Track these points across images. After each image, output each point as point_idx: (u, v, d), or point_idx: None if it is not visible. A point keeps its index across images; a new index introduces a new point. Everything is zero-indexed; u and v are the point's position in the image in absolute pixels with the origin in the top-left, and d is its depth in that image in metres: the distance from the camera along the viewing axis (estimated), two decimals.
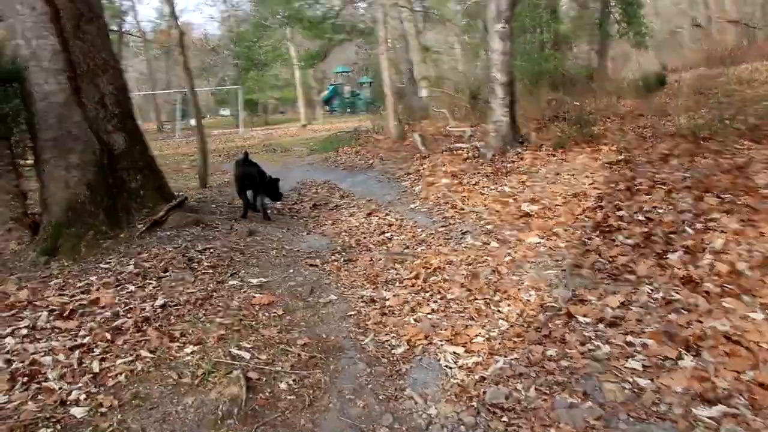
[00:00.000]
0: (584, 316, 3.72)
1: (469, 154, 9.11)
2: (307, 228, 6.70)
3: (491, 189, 7.04)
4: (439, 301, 4.28)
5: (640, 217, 4.98)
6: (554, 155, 8.21)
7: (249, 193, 7.08)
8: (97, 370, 3.16)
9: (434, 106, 17.20)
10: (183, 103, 29.04)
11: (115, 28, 32.10)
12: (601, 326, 3.57)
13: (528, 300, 4.11)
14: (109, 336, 3.53)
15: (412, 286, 4.63)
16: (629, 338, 3.36)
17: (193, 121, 32.15)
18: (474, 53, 35.16)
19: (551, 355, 3.30)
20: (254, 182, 6.91)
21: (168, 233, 5.54)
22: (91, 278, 4.54)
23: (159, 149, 18.44)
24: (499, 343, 3.53)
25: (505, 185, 7.06)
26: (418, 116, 16.47)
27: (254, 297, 4.22)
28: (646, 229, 4.74)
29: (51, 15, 5.25)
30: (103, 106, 5.66)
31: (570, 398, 2.88)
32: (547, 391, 2.96)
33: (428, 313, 4.06)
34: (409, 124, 14.96)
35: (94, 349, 3.39)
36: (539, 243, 5.14)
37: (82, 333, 3.60)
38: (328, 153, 13.46)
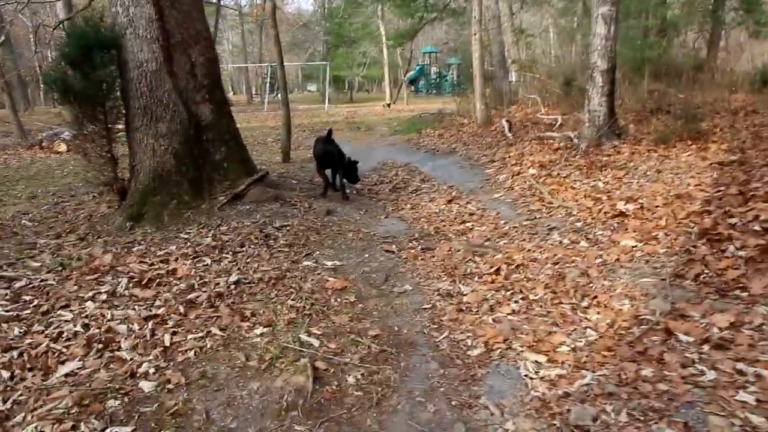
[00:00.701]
0: (686, 334, 3.33)
1: (561, 144, 8.60)
2: (386, 211, 6.53)
3: (583, 183, 6.58)
4: (520, 301, 4.00)
5: (756, 227, 4.44)
6: (655, 151, 7.59)
7: (329, 172, 6.99)
8: (168, 343, 3.14)
9: (524, 92, 16.56)
10: (272, 77, 29.61)
11: (213, 0, 33.21)
12: (705, 348, 3.18)
13: (620, 309, 3.75)
14: (182, 309, 3.52)
15: (492, 282, 4.36)
16: (740, 366, 2.96)
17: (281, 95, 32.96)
18: (569, 38, 33.72)
19: (646, 376, 2.96)
20: (334, 161, 6.81)
21: (247, 207, 5.54)
22: (171, 247, 4.59)
23: (247, 121, 18.92)
24: (587, 356, 3.22)
25: (599, 180, 6.58)
26: (505, 101, 15.93)
27: (327, 280, 4.11)
28: (762, 241, 4.21)
29: None
30: (193, 76, 5.70)
31: (668, 429, 2.55)
32: (642, 417, 2.64)
33: (508, 314, 3.79)
34: (496, 109, 14.47)
35: (168, 321, 3.39)
36: (635, 247, 4.71)
37: (157, 303, 3.62)
38: (411, 134, 13.24)
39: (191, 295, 3.74)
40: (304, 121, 18.74)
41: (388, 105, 25.85)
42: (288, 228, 5.15)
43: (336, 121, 18.36)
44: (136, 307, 3.55)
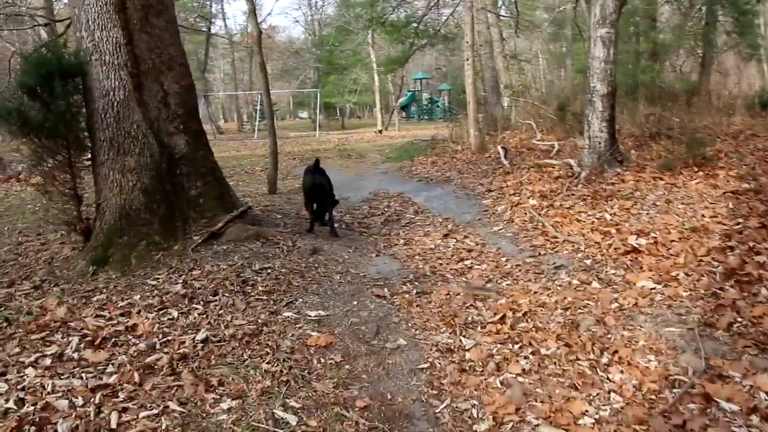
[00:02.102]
0: (728, 401, 2.84)
1: (561, 171, 8.18)
2: (377, 248, 6.04)
3: (589, 215, 6.13)
4: (530, 357, 3.50)
5: None
6: (661, 178, 7.18)
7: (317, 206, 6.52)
8: (114, 425, 2.61)
9: (518, 117, 16.25)
10: (263, 104, 29.31)
11: (204, 29, 33.13)
12: (755, 419, 2.69)
13: (647, 367, 3.26)
14: (138, 377, 3.00)
15: (497, 332, 3.86)
16: None
17: None
18: (559, 63, 33.76)
19: None
20: (324, 194, 6.32)
21: (225, 247, 5.04)
22: (135, 297, 4.08)
23: (236, 150, 18.52)
24: (615, 431, 2.72)
25: (606, 211, 6.13)
26: (499, 126, 15.59)
27: (310, 336, 3.59)
28: None
29: (117, 5, 4.88)
30: (166, 105, 5.25)
31: None
32: None
33: (518, 375, 3.29)
34: (490, 135, 14.11)
35: (119, 393, 2.86)
36: (654, 289, 4.24)
37: (110, 369, 3.10)
38: (403, 162, 12.82)
39: (151, 358, 3.21)
40: (294, 149, 18.32)
41: (380, 131, 25.55)
42: (269, 271, 4.64)
43: (327, 148, 17.96)
44: (83, 375, 3.02)
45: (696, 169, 7.45)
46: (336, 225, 6.52)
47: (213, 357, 3.26)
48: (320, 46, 35.38)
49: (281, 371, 3.12)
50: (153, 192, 4.97)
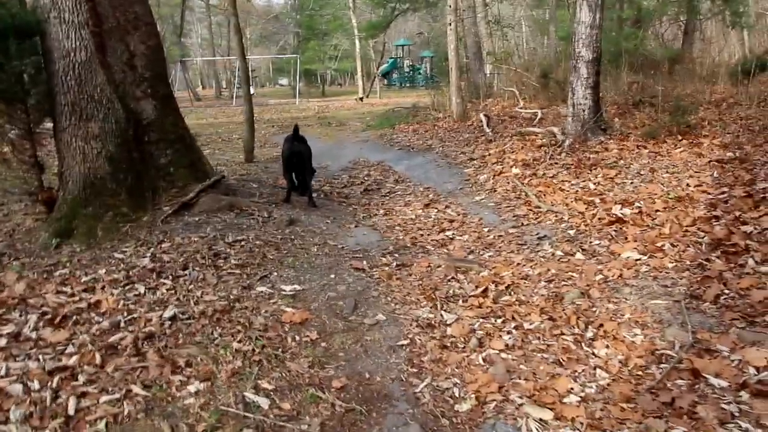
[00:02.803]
0: (717, 376, 2.75)
1: (544, 140, 8.03)
2: (356, 218, 5.86)
3: (572, 184, 6.00)
4: (514, 332, 3.38)
5: None
6: (645, 147, 7.07)
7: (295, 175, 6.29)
8: (72, 411, 2.43)
9: (500, 84, 16.02)
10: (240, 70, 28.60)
11: None
12: (744, 395, 2.59)
13: (633, 342, 3.15)
14: (99, 358, 2.81)
15: (479, 306, 3.74)
16: None
17: (251, 90, 31.95)
18: (542, 30, 33.33)
19: None
20: (302, 162, 6.08)
21: (197, 219, 4.82)
22: (99, 271, 3.86)
23: (213, 117, 18.07)
24: (602, 410, 2.61)
25: (590, 181, 6.01)
26: (481, 94, 15.36)
27: (284, 312, 3.43)
28: None
29: None
30: (132, 68, 4.94)
31: None
32: None
33: (501, 351, 3.17)
34: (472, 102, 13.90)
35: (78, 376, 2.68)
36: (639, 260, 4.13)
37: (69, 350, 2.90)
38: (384, 130, 12.56)
39: (114, 337, 3.03)
40: (273, 117, 17.93)
41: (361, 99, 25.13)
42: (242, 243, 4.45)
43: (306, 116, 17.58)
44: (41, 356, 2.82)
45: (680, 138, 7.35)
46: (314, 195, 6.31)
47: (181, 335, 3.08)
48: (300, 11, 34.49)
49: (253, 350, 2.96)
50: (119, 160, 4.70)
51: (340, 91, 37.62)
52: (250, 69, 34.89)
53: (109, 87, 4.70)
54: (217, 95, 34.27)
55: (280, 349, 3.03)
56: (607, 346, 3.15)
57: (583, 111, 7.80)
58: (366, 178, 7.95)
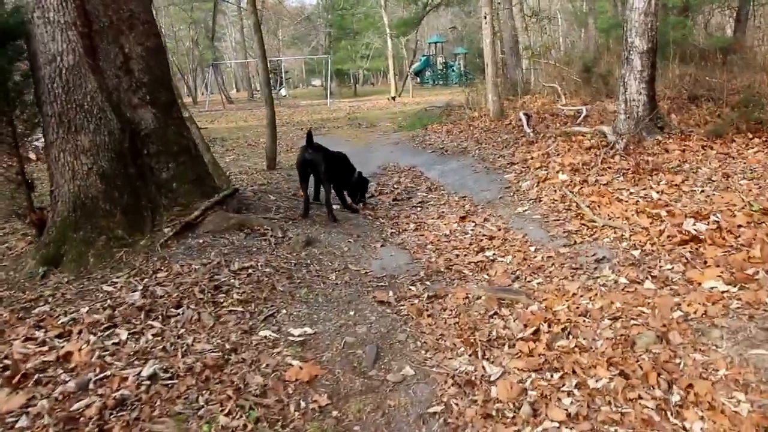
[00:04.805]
0: None
1: (592, 140, 7.24)
2: (383, 236, 5.21)
3: (631, 193, 5.22)
4: (576, 392, 2.68)
5: None
6: (711, 147, 6.24)
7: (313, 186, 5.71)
8: None
9: (539, 80, 15.16)
10: (274, 72, 28.36)
11: None
12: None
13: (735, 412, 2.42)
14: None
15: (530, 354, 3.04)
16: None
17: (283, 91, 31.75)
18: (580, 23, 32.05)
19: None
20: (317, 171, 5.50)
21: (200, 241, 4.25)
22: (81, 310, 3.32)
23: (244, 120, 17.70)
24: None
25: (651, 189, 5.22)
26: (519, 91, 14.54)
27: (290, 366, 2.81)
28: None
29: None
30: (127, 72, 4.40)
31: None
32: None
33: (562, 423, 2.48)
34: (509, 100, 13.10)
35: None
36: (726, 292, 3.38)
37: (20, 424, 2.34)
38: (416, 130, 11.89)
39: (78, 404, 2.45)
40: (304, 119, 17.42)
41: (393, 98, 24.47)
42: (249, 271, 3.85)
43: (337, 117, 17.04)
44: None
45: (751, 136, 6.49)
46: (336, 207, 5.70)
47: (158, 402, 2.48)
48: (332, 10, 34.07)
49: (245, 426, 2.34)
50: (113, 177, 4.16)
51: (372, 90, 37.08)
52: (283, 70, 34.85)
53: (100, 94, 4.17)
54: (250, 98, 34.15)
55: (279, 423, 2.40)
56: (702, 418, 2.42)
57: (637, 107, 7.00)
58: (396, 186, 7.30)
